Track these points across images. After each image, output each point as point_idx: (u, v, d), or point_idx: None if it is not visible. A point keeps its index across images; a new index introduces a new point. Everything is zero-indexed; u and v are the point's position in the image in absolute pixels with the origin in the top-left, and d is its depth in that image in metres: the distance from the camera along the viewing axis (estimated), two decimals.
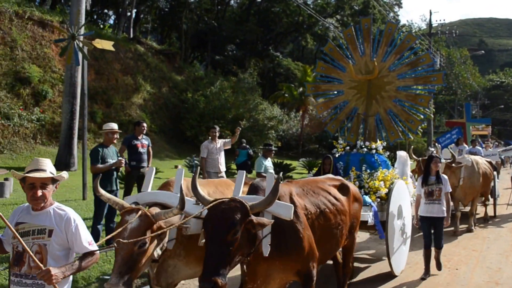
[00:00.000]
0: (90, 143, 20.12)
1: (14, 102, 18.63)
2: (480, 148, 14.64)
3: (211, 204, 3.31)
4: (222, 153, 9.29)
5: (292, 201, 3.89)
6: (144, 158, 8.11)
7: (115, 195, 6.75)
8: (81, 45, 10.24)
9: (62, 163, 16.22)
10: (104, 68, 24.64)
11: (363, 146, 7.38)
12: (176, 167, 20.45)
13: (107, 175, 6.70)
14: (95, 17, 38.49)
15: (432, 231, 6.60)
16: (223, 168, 9.21)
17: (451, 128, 19.20)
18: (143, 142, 8.19)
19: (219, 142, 9.24)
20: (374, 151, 7.28)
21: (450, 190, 6.73)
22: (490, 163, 11.32)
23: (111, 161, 6.84)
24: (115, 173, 7.00)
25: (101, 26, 34.86)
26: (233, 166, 16.52)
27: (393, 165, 7.80)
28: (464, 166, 9.63)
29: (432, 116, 23.01)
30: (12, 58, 19.83)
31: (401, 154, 7.90)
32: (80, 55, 10.75)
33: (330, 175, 5.57)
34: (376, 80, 7.91)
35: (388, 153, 7.71)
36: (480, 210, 11.77)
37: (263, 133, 28.03)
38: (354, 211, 5.04)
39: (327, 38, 41.38)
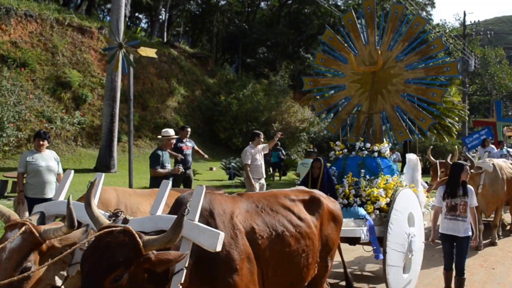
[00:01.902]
0: (127, 145, 20.66)
1: (56, 106, 19.33)
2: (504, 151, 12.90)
3: (97, 234, 2.45)
4: (263, 158, 9.47)
5: (232, 222, 3.05)
6: (189, 159, 8.79)
7: None
8: (128, 53, 10.59)
9: (103, 165, 16.77)
10: (140, 72, 25.22)
11: (363, 148, 6.47)
12: (211, 169, 20.78)
13: (165, 178, 7.06)
14: (127, 20, 39.37)
15: (455, 252, 5.58)
16: (264, 173, 9.37)
17: (480, 128, 17.91)
18: (188, 145, 8.90)
19: (260, 147, 9.41)
20: (376, 154, 6.37)
21: (476, 204, 5.58)
22: None
23: (167, 165, 7.22)
24: (172, 176, 7.31)
25: (133, 29, 35.68)
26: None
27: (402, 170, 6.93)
28: (485, 171, 8.46)
29: (467, 118, 22.29)
30: (54, 63, 20.58)
31: (411, 157, 6.69)
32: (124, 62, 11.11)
33: (300, 187, 4.48)
34: (381, 72, 6.98)
35: (395, 156, 6.87)
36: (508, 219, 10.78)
37: (295, 136, 28.10)
38: (328, 232, 4.02)
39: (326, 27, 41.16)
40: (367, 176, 6.03)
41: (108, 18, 35.82)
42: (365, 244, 5.60)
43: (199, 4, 41.01)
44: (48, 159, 6.33)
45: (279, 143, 16.69)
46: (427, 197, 6.81)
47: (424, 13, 46.18)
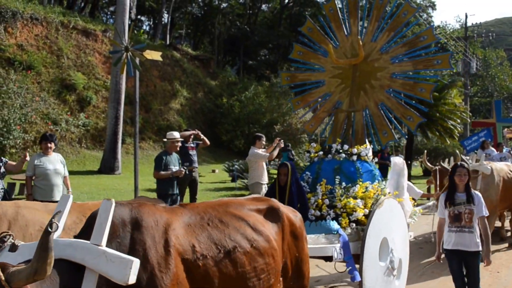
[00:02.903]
0: (130, 147, 20.91)
1: (61, 108, 19.55)
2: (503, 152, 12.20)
3: None
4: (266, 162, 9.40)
5: (165, 237, 2.51)
6: (194, 159, 8.93)
7: (176, 199, 7.34)
8: (133, 56, 10.79)
9: (107, 167, 16.99)
10: (143, 75, 25.39)
11: (341, 150, 5.71)
12: (213, 171, 20.97)
13: (169, 180, 7.23)
14: (130, 23, 39.62)
15: (465, 271, 4.74)
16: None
17: (479, 130, 16.99)
18: (192, 145, 9.02)
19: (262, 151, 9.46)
20: (355, 157, 5.64)
21: (487, 213, 4.69)
22: None
23: (173, 168, 7.35)
24: (176, 179, 7.45)
25: (135, 32, 35.92)
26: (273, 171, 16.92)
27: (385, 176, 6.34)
28: (482, 175, 7.78)
29: (469, 120, 22.36)
30: (59, 66, 20.81)
31: (397, 161, 6.00)
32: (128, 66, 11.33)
33: (256, 195, 4.01)
34: (364, 65, 6.32)
35: (376, 159, 6.08)
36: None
37: (296, 137, 28.28)
38: (292, 247, 3.44)
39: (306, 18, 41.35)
40: (344, 183, 5.34)
41: (111, 20, 36.08)
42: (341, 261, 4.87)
43: (201, 7, 41.27)
44: (55, 162, 6.35)
45: (289, 144, 16.95)
46: (414, 205, 6.21)
47: (425, 15, 46.38)
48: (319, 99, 6.90)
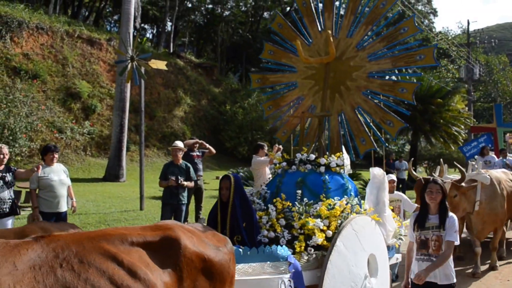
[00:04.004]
0: (135, 155, 21.03)
1: (66, 116, 19.69)
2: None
3: None
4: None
5: None
6: (199, 167, 9.01)
7: (178, 207, 7.34)
8: (139, 66, 10.93)
9: (112, 175, 17.07)
10: (147, 83, 25.52)
11: (307, 160, 5.00)
12: (217, 178, 21.03)
13: (168, 189, 7.28)
14: (134, 32, 39.95)
15: None
16: None
17: (479, 135, 16.20)
18: (198, 154, 9.10)
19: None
20: (322, 168, 4.90)
21: (457, 241, 3.83)
22: None
23: (179, 177, 7.31)
24: (179, 188, 7.43)
25: (139, 40, 36.20)
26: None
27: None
28: (482, 185, 6.94)
29: (472, 125, 22.32)
30: (64, 74, 20.98)
31: (376, 173, 5.12)
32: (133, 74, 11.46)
33: (160, 222, 3.03)
34: (339, 64, 5.65)
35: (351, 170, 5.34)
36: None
37: (298, 144, 28.33)
38: None
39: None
40: (306, 199, 4.56)
41: (115, 29, 36.36)
42: None
43: (204, 15, 41.53)
44: (59, 172, 6.26)
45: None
46: (400, 223, 5.39)
47: (427, 21, 46.51)
48: (292, 103, 6.26)
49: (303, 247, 4.09)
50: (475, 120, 23.41)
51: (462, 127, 21.01)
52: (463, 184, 6.40)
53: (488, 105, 58.89)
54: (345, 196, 4.82)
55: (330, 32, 5.63)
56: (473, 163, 7.87)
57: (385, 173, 5.18)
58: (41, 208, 6.08)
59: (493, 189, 7.19)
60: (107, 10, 38.77)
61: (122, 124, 17.30)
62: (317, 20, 6.00)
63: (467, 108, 25.85)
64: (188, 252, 2.61)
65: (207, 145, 9.60)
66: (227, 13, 41.80)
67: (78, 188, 13.23)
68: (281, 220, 4.43)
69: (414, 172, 7.59)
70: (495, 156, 11.30)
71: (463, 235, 8.49)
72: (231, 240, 3.52)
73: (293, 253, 4.02)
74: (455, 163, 8.04)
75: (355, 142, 5.64)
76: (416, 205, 6.68)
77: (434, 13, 50.59)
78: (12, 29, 19.54)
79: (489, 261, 7.64)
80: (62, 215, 6.22)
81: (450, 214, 3.89)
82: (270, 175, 8.37)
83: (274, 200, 4.68)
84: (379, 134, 5.72)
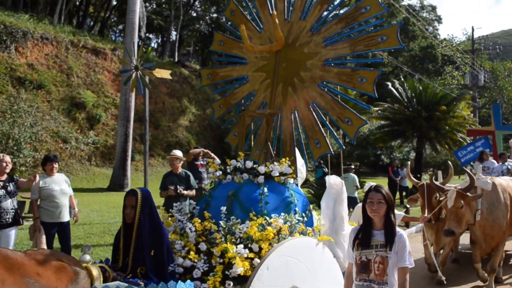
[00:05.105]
0: (140, 164, 20.99)
1: (70, 126, 19.72)
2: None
3: None
4: None
5: None
6: (203, 176, 8.99)
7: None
8: (143, 75, 10.90)
9: (117, 184, 17.02)
10: (152, 92, 25.64)
11: (244, 168, 4.23)
12: None
13: (168, 199, 7.17)
14: (139, 40, 40.18)
15: None
16: None
17: (476, 139, 14.75)
18: (202, 163, 9.07)
19: None
20: (261, 178, 4.13)
21: (411, 264, 3.06)
22: None
23: (179, 187, 7.19)
24: (180, 197, 7.32)
25: (144, 49, 36.43)
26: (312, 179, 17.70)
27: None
28: (483, 193, 6.01)
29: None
30: (69, 84, 21.06)
31: (333, 182, 4.35)
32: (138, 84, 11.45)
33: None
34: (291, 52, 4.89)
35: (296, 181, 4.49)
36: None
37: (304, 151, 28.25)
38: None
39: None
40: (234, 217, 3.77)
41: (120, 39, 36.55)
42: None
43: (208, 24, 41.66)
44: (60, 182, 6.18)
45: (321, 161, 17.57)
46: None
47: (431, 28, 46.50)
48: (243, 101, 5.51)
49: (217, 283, 3.29)
50: (480, 127, 23.20)
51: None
52: (468, 194, 5.69)
53: None
54: (284, 213, 3.97)
55: (275, 13, 4.82)
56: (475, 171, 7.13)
57: (343, 182, 4.40)
58: (43, 219, 6.02)
59: (496, 197, 6.24)
60: (112, 20, 39.04)
61: (126, 133, 17.28)
62: (268, 2, 5.22)
63: (472, 114, 25.70)
64: None
65: (212, 154, 9.55)
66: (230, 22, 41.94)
67: (82, 198, 13.18)
68: (201, 244, 3.65)
69: (412, 178, 6.96)
70: (494, 162, 10.27)
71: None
72: (134, 273, 3.13)
73: None
74: (464, 167, 7.05)
75: (309, 145, 4.89)
76: (403, 213, 6.00)
77: (439, 20, 50.56)
78: (17, 39, 19.66)
79: (484, 285, 6.47)
80: (64, 225, 6.18)
81: (399, 232, 3.12)
82: None
83: (195, 219, 3.86)
84: (335, 135, 5.01)
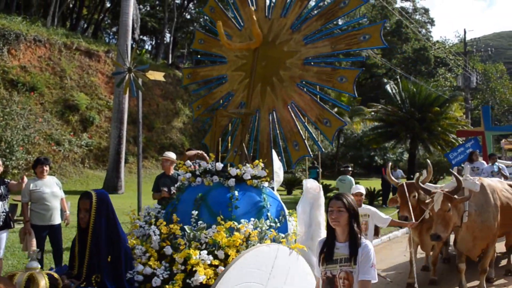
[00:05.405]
0: (133, 166, 20.94)
1: (64, 128, 19.65)
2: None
3: None
4: None
5: None
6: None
7: None
8: (136, 77, 10.89)
9: (110, 187, 16.96)
10: (146, 94, 25.61)
11: (213, 170, 4.05)
12: None
13: (162, 201, 7.16)
14: (133, 42, 40.15)
15: None
16: None
17: (466, 140, 14.74)
18: (196, 164, 9.01)
19: None
20: (232, 181, 3.91)
21: (374, 279, 2.77)
22: None
23: (165, 188, 7.20)
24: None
25: (138, 52, 36.39)
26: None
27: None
28: (471, 195, 5.81)
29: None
30: (62, 86, 20.98)
31: (310, 186, 4.19)
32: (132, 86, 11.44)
33: None
34: (271, 50, 4.75)
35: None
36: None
37: None
38: None
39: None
40: (201, 222, 3.59)
41: (114, 41, 36.51)
42: None
43: (202, 26, 41.66)
44: (51, 185, 6.13)
45: (315, 162, 17.68)
46: None
47: (424, 31, 46.77)
48: (221, 101, 5.35)
49: None
50: (472, 128, 23.42)
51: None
52: (455, 196, 5.53)
53: None
54: (254, 219, 3.74)
55: (253, 8, 4.69)
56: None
57: (320, 186, 4.21)
58: (34, 221, 5.99)
59: (485, 198, 6.02)
60: (106, 22, 38.95)
61: (120, 135, 17.25)
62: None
63: (464, 116, 25.88)
64: None
65: (207, 157, 9.53)
66: None
67: (76, 200, 13.11)
68: (167, 248, 3.46)
69: (392, 178, 6.82)
70: (484, 162, 10.35)
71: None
72: (89, 280, 2.98)
73: None
74: (450, 170, 6.63)
75: (287, 148, 4.74)
76: (389, 218, 5.82)
77: (432, 22, 50.83)
78: (9, 41, 19.58)
79: (476, 285, 6.39)
80: (55, 228, 6.14)
81: (364, 242, 2.83)
82: None
83: (159, 222, 3.68)
84: (314, 136, 4.77)
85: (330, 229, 2.89)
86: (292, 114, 4.72)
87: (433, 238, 5.48)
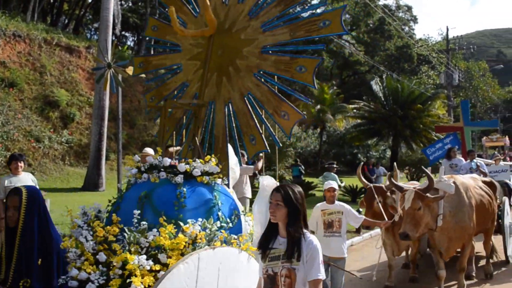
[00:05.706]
0: (115, 163, 20.72)
1: (44, 125, 19.34)
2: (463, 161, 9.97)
3: None
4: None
5: None
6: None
7: None
8: (116, 73, 10.77)
9: (91, 184, 16.78)
10: (127, 90, 25.34)
11: (160, 166, 3.73)
12: None
13: None
14: (114, 38, 39.70)
15: None
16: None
17: (444, 136, 14.43)
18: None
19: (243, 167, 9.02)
20: (180, 178, 3.62)
21: (323, 276, 2.56)
22: (491, 184, 7.00)
23: None
24: None
25: (120, 48, 36.04)
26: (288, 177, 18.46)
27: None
28: (445, 195, 5.58)
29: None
30: (42, 82, 20.64)
31: (266, 183, 3.88)
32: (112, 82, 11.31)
33: None
34: (227, 38, 4.50)
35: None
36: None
37: (282, 151, 28.25)
38: None
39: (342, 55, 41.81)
40: (144, 222, 3.29)
41: (95, 37, 36.07)
42: None
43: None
44: (26, 181, 5.96)
45: (298, 160, 17.91)
46: None
47: (407, 28, 47.16)
48: (176, 92, 5.06)
49: None
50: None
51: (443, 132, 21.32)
52: (427, 195, 5.32)
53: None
54: (203, 219, 3.46)
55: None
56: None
57: (277, 183, 3.87)
58: None
59: (459, 198, 5.82)
60: (87, 17, 38.42)
61: (101, 132, 17.04)
62: None
63: (447, 113, 26.18)
64: None
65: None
66: None
67: (55, 198, 12.93)
68: (100, 254, 3.13)
69: (363, 179, 6.67)
70: (462, 159, 10.13)
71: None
72: (16, 286, 2.77)
73: None
74: (422, 167, 6.47)
75: (243, 141, 4.52)
76: (363, 217, 5.60)
77: (415, 20, 51.28)
78: None
79: (455, 283, 6.36)
80: None
81: (309, 237, 2.57)
82: (249, 184, 8.23)
83: (95, 223, 3.35)
84: (271, 131, 4.57)
85: (271, 223, 2.66)
86: (249, 106, 4.47)
87: (402, 237, 5.33)
